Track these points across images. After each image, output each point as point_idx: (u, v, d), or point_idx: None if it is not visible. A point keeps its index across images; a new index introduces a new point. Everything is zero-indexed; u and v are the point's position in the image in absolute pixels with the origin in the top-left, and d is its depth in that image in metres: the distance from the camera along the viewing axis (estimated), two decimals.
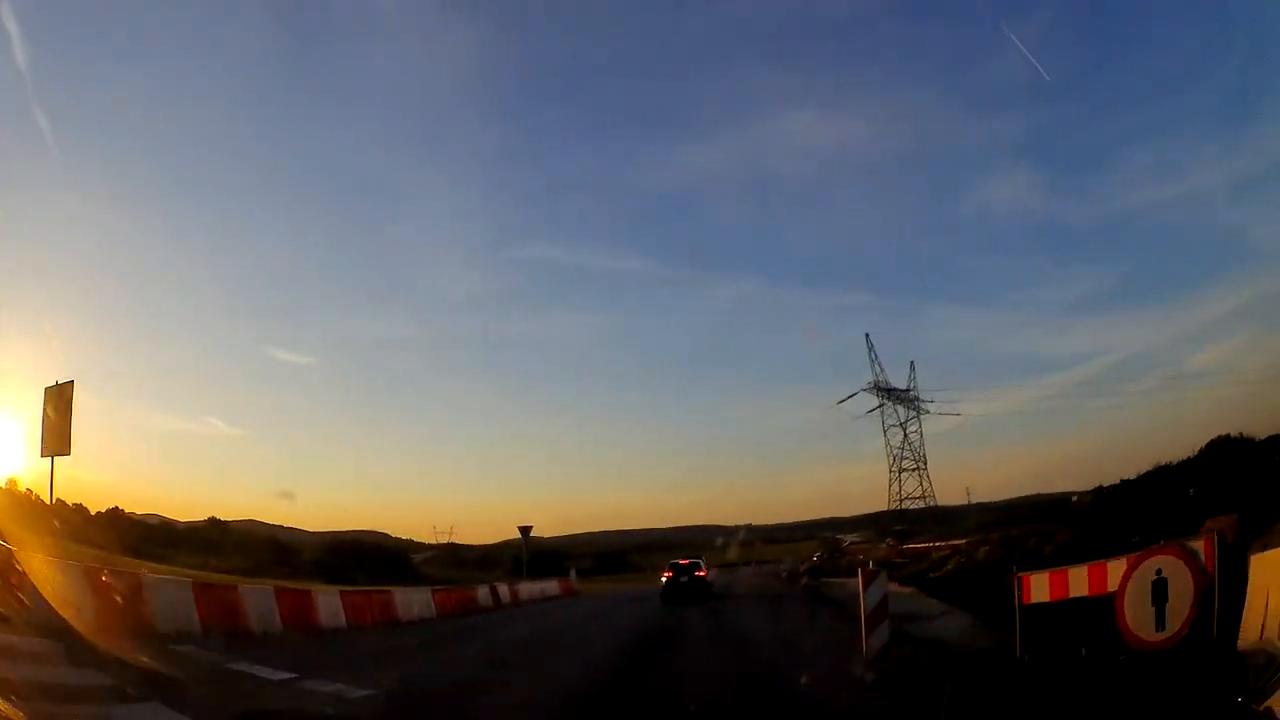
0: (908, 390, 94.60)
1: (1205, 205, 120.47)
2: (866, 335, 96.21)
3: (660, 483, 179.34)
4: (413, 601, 21.32)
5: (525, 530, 38.41)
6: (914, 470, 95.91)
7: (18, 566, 8.87)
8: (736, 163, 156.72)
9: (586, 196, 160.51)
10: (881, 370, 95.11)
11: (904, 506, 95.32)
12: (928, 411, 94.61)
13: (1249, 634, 5.20)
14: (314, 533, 76.62)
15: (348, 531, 72.34)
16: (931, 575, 23.53)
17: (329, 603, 17.09)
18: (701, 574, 27.15)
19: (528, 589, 33.64)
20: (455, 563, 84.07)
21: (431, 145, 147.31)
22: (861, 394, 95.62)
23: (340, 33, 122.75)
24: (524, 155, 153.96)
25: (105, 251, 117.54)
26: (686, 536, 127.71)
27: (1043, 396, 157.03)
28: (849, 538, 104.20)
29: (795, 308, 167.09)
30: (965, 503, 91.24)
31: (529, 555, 45.25)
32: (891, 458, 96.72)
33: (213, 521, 50.39)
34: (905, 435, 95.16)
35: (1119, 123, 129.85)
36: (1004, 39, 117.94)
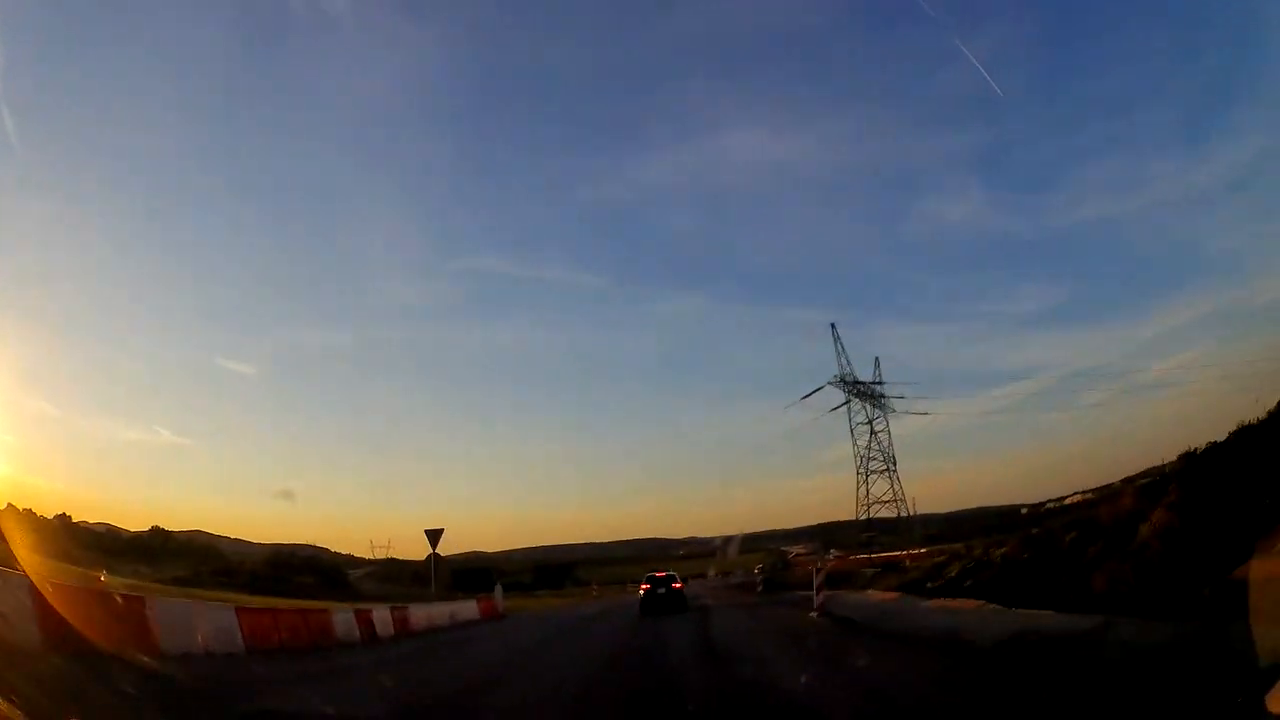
0: (874, 384, 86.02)
1: (1160, 220, 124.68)
2: (832, 325, 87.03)
3: (606, 496, 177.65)
4: (195, 623, 13.42)
5: (434, 536, 28.55)
6: (883, 472, 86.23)
7: None
8: (689, 177, 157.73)
9: (537, 208, 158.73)
10: (848, 364, 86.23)
11: (872, 514, 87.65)
12: (893, 410, 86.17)
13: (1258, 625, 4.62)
14: (257, 544, 72.31)
15: (287, 545, 68.23)
16: (930, 585, 22.22)
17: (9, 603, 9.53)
18: (678, 586, 27.92)
19: (425, 614, 24.96)
20: (393, 578, 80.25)
21: (381, 152, 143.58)
22: (828, 388, 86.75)
23: (294, 37, 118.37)
24: (475, 165, 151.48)
25: (58, 255, 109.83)
26: (633, 550, 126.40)
27: (992, 410, 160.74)
28: (794, 549, 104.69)
29: (746, 322, 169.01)
30: (910, 514, 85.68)
31: (438, 567, 36.88)
32: (858, 459, 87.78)
33: (156, 530, 47.73)
34: (873, 434, 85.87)
35: (1073, 139, 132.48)
36: (958, 55, 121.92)
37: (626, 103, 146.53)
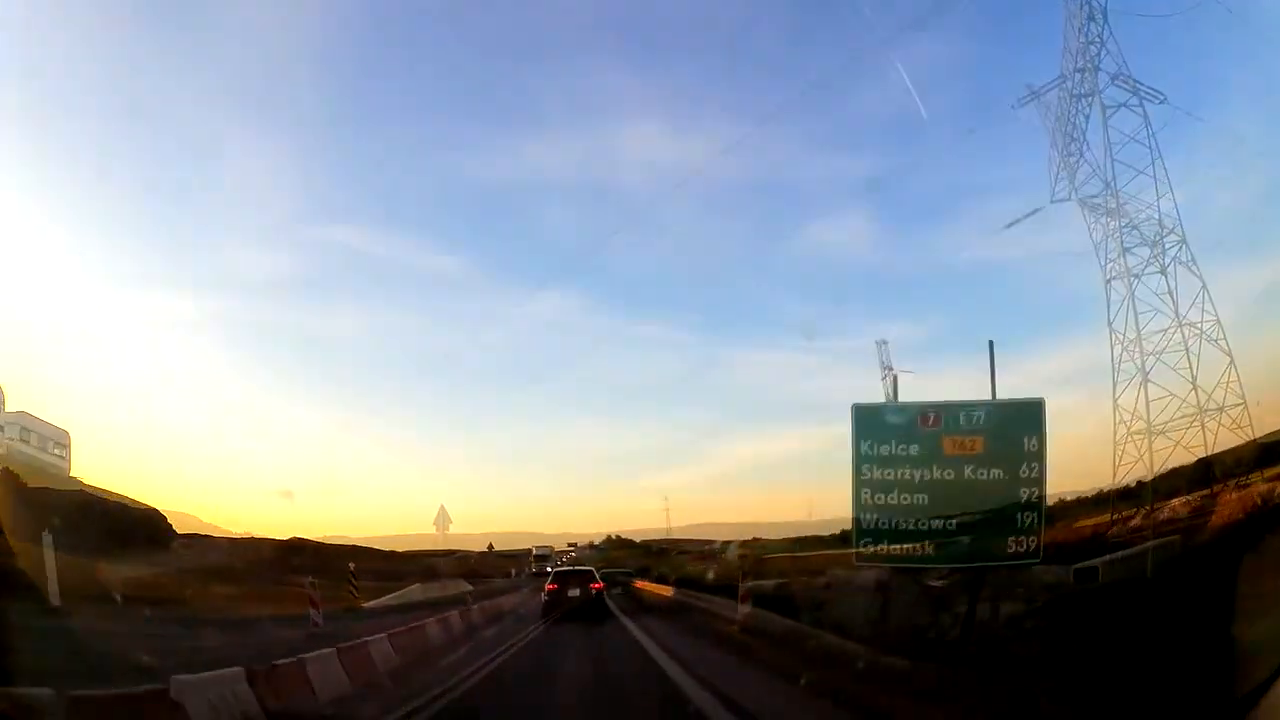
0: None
1: (1058, 267, 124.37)
2: None
3: (458, 495, 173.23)
4: None
5: None
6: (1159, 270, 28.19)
7: None
8: (572, 167, 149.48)
9: (405, 181, 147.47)
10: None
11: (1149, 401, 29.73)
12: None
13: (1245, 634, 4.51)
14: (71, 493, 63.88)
15: (99, 496, 60.62)
16: None
17: None
18: (596, 585, 21.44)
19: None
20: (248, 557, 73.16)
21: (249, 98, 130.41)
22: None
23: None
24: (345, 126, 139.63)
25: None
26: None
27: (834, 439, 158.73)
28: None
29: (614, 334, 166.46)
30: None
31: None
32: (1106, 270, 30.27)
33: None
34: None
35: (980, 176, 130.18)
36: (876, 78, 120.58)
37: (516, 80, 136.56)
